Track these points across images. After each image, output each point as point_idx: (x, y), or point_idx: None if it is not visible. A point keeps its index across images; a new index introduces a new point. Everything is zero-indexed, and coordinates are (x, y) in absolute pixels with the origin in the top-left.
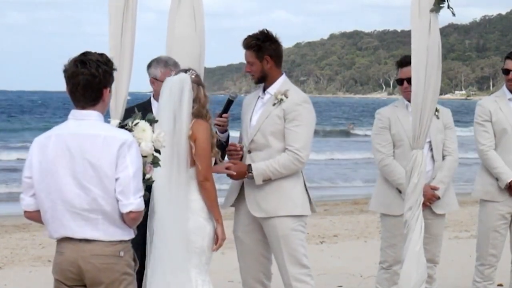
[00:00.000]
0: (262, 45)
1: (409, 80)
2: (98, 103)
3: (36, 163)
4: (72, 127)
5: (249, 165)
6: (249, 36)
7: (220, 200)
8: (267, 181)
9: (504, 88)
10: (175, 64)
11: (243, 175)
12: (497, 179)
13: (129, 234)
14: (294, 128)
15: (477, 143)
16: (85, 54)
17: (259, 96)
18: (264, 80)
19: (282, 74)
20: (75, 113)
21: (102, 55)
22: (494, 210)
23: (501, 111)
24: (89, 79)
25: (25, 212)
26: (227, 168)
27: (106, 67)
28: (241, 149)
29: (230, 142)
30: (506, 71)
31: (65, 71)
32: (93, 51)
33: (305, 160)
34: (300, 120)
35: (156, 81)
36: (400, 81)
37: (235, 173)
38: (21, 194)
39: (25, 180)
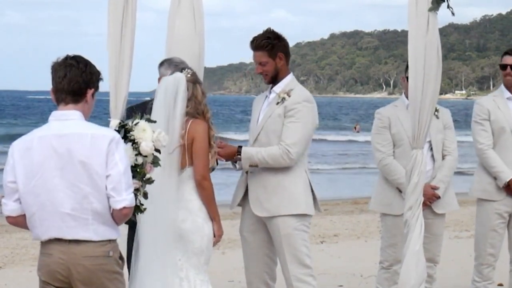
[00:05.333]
0: (274, 43)
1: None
2: (81, 101)
3: (19, 166)
4: (56, 128)
5: (240, 146)
6: (258, 36)
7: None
8: (254, 167)
9: (502, 87)
10: None
11: (232, 156)
12: (495, 178)
13: (117, 233)
14: (289, 124)
15: (476, 142)
16: (76, 55)
17: (266, 95)
18: (276, 78)
19: (289, 73)
20: (56, 114)
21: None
22: (492, 210)
23: (499, 109)
24: (76, 72)
25: (7, 217)
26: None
27: (95, 69)
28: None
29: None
30: (503, 66)
31: (52, 66)
32: (90, 53)
33: (295, 157)
34: (297, 117)
35: None
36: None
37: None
38: (3, 200)
39: (8, 185)
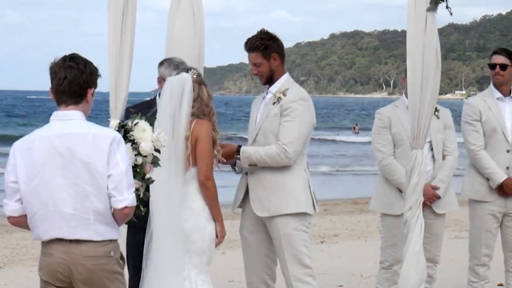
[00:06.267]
0: (268, 44)
1: (501, 66)
2: (82, 102)
3: (21, 166)
4: (57, 128)
5: (239, 146)
6: (252, 38)
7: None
8: (253, 166)
9: (491, 87)
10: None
11: (231, 155)
12: (487, 179)
13: (117, 233)
14: (285, 123)
15: (467, 142)
16: (74, 54)
17: (264, 96)
18: (271, 79)
19: (285, 73)
20: (58, 114)
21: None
22: (486, 211)
23: (490, 110)
24: (76, 73)
25: (9, 217)
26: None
27: (93, 67)
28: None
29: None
30: (492, 66)
31: (51, 67)
32: (90, 53)
33: (292, 156)
34: (292, 116)
35: (164, 82)
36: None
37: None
38: (5, 200)
39: (9, 185)
